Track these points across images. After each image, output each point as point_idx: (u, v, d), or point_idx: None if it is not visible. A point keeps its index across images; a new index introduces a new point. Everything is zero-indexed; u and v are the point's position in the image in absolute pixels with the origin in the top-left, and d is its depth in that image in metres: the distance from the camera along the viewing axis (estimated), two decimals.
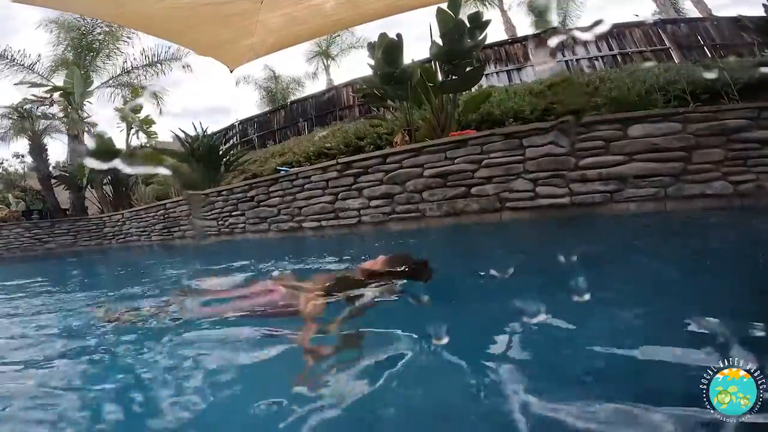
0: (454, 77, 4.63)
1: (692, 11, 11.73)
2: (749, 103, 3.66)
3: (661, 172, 3.31)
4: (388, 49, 4.75)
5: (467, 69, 4.65)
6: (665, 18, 10.49)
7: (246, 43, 7.15)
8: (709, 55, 8.63)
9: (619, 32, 9.47)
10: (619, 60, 9.07)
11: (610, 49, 9.34)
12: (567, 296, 1.32)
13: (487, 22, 4.56)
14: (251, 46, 7.32)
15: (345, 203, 4.16)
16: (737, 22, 8.79)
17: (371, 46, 5.14)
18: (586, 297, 1.27)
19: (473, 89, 5.75)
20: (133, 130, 10.20)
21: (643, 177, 3.32)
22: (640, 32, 9.37)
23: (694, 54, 8.73)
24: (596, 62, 9.23)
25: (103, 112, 28.69)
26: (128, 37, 10.81)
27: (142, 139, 10.23)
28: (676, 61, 8.25)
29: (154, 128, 10.52)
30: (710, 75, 5.30)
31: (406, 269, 1.59)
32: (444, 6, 4.65)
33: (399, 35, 4.89)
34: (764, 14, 6.25)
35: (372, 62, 5.07)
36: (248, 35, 6.88)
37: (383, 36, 4.91)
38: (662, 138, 3.37)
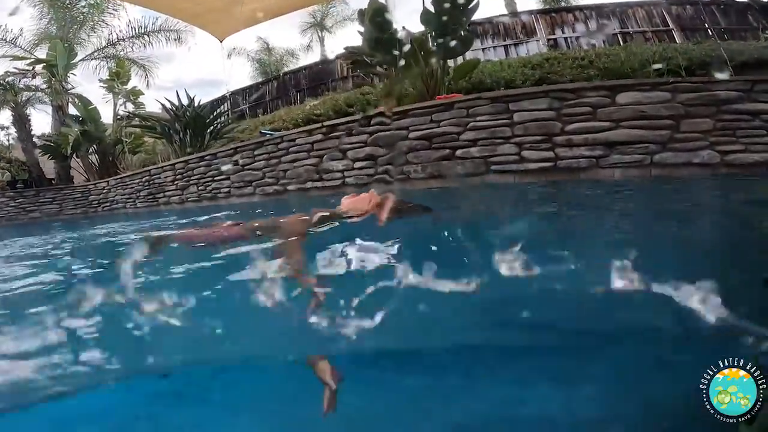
0: (444, 43, 4.50)
1: None
2: (742, 76, 3.59)
3: (648, 139, 3.26)
4: (377, 13, 4.60)
5: (458, 35, 4.52)
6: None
7: (236, 12, 6.88)
8: (713, 39, 8.46)
9: (621, 11, 9.24)
10: (620, 39, 8.88)
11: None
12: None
13: None
14: (242, 15, 7.05)
15: (329, 165, 4.09)
16: (746, 6, 8.59)
17: (361, 13, 4.99)
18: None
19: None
20: (120, 101, 9.97)
21: (629, 143, 3.27)
22: (643, 12, 9.14)
23: (697, 36, 8.55)
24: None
25: (89, 86, 28.00)
26: (114, 10, 10.43)
27: (130, 109, 10.00)
28: (678, 43, 8.09)
29: (141, 99, 10.30)
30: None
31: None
32: None
33: None
34: None
35: (362, 29, 4.93)
36: (238, 3, 6.61)
37: (372, 1, 4.75)
38: (650, 106, 3.31)
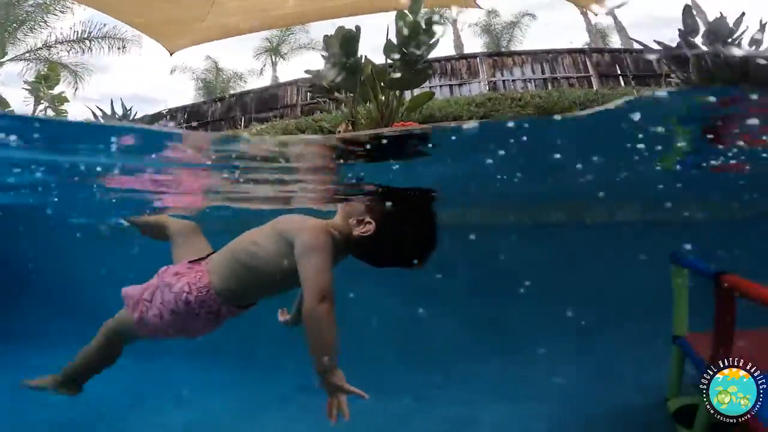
0: (403, 74, 4.70)
1: (617, 43, 12.92)
2: None
3: None
4: (346, 40, 4.71)
5: (417, 67, 4.76)
6: (593, 47, 11.65)
7: (194, 27, 6.63)
8: (623, 85, 9.70)
9: (552, 58, 10.28)
10: (549, 83, 9.89)
11: (543, 72, 10.17)
12: None
13: (441, 24, 4.73)
14: (199, 31, 6.80)
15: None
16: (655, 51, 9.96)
17: (327, 38, 5.07)
18: None
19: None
20: (41, 106, 8.98)
21: None
22: (570, 59, 10.28)
23: (611, 82, 9.78)
24: (529, 84, 10.00)
25: (11, 90, 24.79)
26: (61, 11, 9.54)
27: (51, 115, 9.00)
28: (595, 88, 9.22)
29: (66, 107, 9.37)
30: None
31: None
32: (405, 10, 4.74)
33: (357, 27, 4.87)
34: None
35: (326, 54, 4.98)
36: (200, 18, 6.38)
37: (340, 28, 4.87)
38: None
